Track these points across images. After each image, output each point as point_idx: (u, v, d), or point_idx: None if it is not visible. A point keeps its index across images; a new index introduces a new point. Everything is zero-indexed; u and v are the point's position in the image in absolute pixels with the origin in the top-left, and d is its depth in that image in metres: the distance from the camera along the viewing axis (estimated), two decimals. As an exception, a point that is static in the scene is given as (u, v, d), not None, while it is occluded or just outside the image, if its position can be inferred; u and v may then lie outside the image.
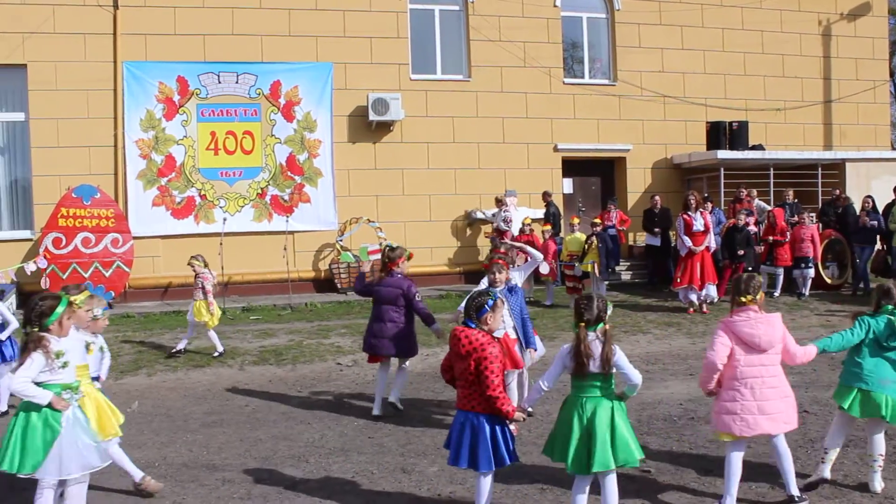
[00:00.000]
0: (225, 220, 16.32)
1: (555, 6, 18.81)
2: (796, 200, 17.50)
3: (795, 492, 5.71)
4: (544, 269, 14.88)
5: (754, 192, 17.49)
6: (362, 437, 7.63)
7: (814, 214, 16.48)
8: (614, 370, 5.11)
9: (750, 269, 15.60)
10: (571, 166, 19.15)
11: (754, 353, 5.55)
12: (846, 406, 5.87)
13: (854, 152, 19.74)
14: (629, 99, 19.15)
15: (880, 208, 15.98)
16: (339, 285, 16.88)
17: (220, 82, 16.91)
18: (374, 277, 8.94)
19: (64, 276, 14.84)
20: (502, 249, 9.07)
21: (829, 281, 16.31)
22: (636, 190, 19.39)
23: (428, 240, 17.62)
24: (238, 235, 16.59)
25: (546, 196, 17.38)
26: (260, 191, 17.11)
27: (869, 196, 16.28)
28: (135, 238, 15.76)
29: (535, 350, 7.95)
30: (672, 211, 16.82)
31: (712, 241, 14.41)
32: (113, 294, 15.34)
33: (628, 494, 5.89)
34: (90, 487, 5.54)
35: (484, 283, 8.21)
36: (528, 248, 8.89)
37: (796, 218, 16.03)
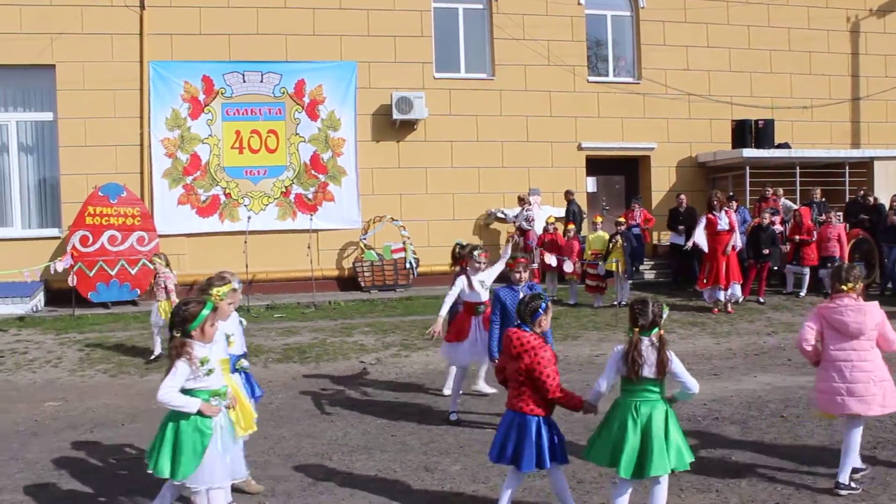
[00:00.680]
0: (249, 218, 16.42)
1: (579, 4, 18.73)
2: (823, 199, 17.31)
3: (844, 479, 5.83)
4: (568, 267, 14.86)
5: (780, 190, 17.34)
6: (385, 436, 7.65)
7: (840, 213, 16.29)
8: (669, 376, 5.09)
9: (775, 268, 15.50)
10: (595, 165, 19.07)
11: (844, 339, 5.84)
12: None
13: (882, 150, 19.46)
14: (654, 97, 19.03)
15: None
16: (362, 283, 16.93)
17: (244, 81, 17.01)
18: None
19: (91, 274, 15.05)
20: (510, 245, 9.15)
21: (856, 281, 16.09)
22: (660, 189, 19.27)
23: (451, 238, 17.37)
24: (262, 234, 16.69)
25: (568, 195, 17.32)
26: (284, 189, 17.20)
27: (898, 195, 16.07)
28: (160, 236, 15.90)
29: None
30: (697, 210, 16.70)
31: (738, 241, 14.27)
32: (139, 291, 15.49)
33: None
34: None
35: (459, 285, 8.25)
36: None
37: (823, 217, 15.85)
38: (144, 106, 16.53)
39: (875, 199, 16.81)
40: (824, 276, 15.44)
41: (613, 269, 14.81)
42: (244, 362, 6.14)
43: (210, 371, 4.96)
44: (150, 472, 5.01)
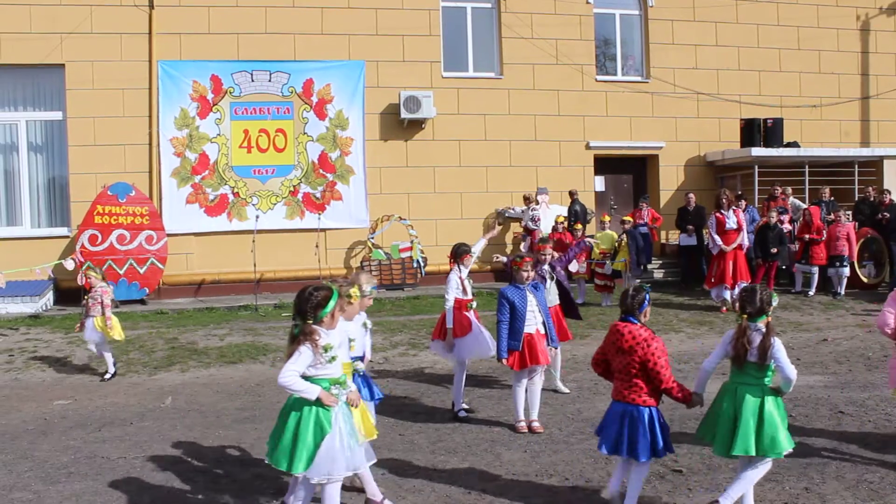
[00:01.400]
0: (257, 217, 16.45)
1: (587, 3, 18.71)
2: (832, 198, 17.25)
3: None
4: (574, 267, 14.84)
5: (789, 189, 17.29)
6: (393, 434, 7.64)
7: (850, 212, 16.24)
8: (772, 362, 5.22)
9: (783, 267, 15.45)
10: (603, 164, 19.05)
11: None
12: None
13: (892, 149, 19.38)
14: (662, 96, 19.00)
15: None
16: (370, 283, 16.91)
17: (253, 81, 17.04)
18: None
19: (100, 273, 15.09)
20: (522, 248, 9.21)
21: (865, 280, 16.08)
22: (669, 188, 19.24)
23: (459, 237, 17.42)
24: (270, 233, 16.72)
25: (572, 193, 17.27)
26: (292, 188, 17.23)
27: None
28: (169, 235, 15.96)
29: (556, 348, 8.23)
30: (706, 209, 16.66)
31: (745, 240, 14.24)
32: (147, 290, 15.55)
33: (660, 494, 5.87)
34: None
35: (452, 282, 8.22)
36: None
37: (832, 216, 15.80)
38: (153, 105, 16.58)
39: (891, 198, 16.74)
40: (833, 275, 15.42)
41: (621, 268, 14.80)
42: (359, 365, 6.02)
43: (333, 358, 4.95)
44: (267, 463, 5.01)
